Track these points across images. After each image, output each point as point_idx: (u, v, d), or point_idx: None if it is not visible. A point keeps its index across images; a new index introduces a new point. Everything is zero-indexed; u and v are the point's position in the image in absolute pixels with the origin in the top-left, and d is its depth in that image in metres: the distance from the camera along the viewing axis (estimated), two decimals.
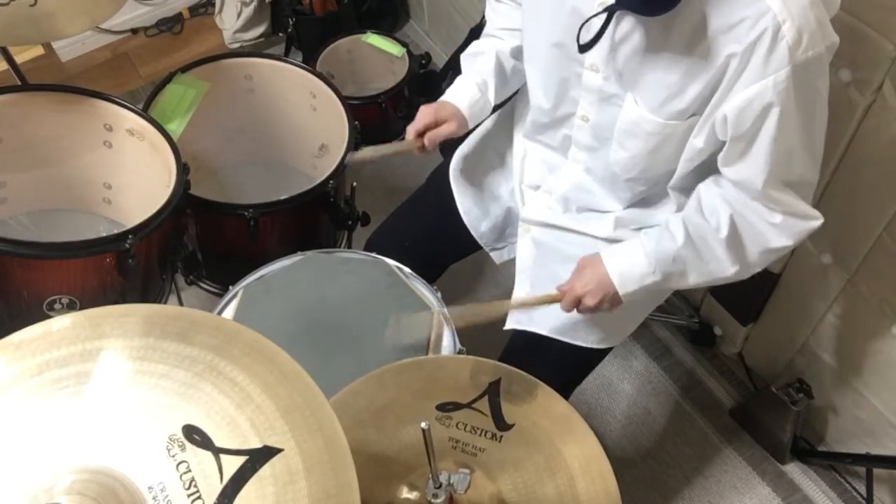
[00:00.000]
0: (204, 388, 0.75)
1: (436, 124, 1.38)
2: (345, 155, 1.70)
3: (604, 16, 1.08)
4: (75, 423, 0.74)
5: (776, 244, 1.16)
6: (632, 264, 1.22)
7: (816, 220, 1.16)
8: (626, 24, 1.11)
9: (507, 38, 1.41)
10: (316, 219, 1.79)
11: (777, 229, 1.15)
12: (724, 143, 1.12)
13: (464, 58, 1.45)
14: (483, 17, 1.47)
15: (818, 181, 1.49)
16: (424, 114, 1.38)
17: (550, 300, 1.31)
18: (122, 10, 1.61)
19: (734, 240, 1.17)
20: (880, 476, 1.70)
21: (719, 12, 1.02)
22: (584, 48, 1.12)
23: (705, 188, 1.20)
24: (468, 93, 1.39)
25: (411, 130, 1.38)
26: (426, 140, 1.38)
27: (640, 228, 1.34)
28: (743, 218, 1.15)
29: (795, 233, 1.15)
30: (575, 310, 1.28)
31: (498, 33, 1.42)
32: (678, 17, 1.05)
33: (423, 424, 0.88)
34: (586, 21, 1.10)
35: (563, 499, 1.01)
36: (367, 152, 1.59)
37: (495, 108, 1.46)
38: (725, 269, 1.19)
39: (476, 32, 1.50)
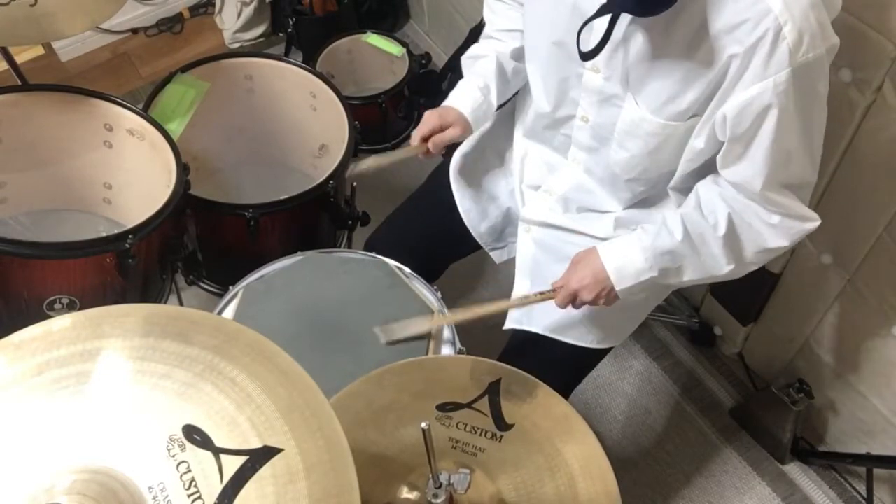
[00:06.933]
0: (204, 388, 0.75)
1: (440, 129, 1.37)
2: (345, 156, 1.70)
3: (606, 20, 1.08)
4: (75, 423, 0.74)
5: (773, 244, 1.17)
6: (628, 260, 1.22)
7: (814, 222, 1.16)
8: (628, 25, 1.11)
9: (506, 40, 1.40)
10: (316, 219, 1.79)
11: (774, 230, 1.15)
12: (723, 143, 1.12)
13: (464, 60, 1.45)
14: (483, 17, 1.47)
15: (818, 181, 1.49)
16: (429, 118, 1.37)
17: (545, 298, 1.29)
18: (122, 10, 1.61)
19: (731, 238, 1.17)
20: (880, 476, 1.70)
21: (721, 13, 1.02)
22: (587, 56, 1.11)
23: (704, 187, 1.20)
24: (471, 97, 1.39)
25: (416, 136, 1.38)
26: (431, 145, 1.37)
27: None
28: (741, 217, 1.16)
29: (792, 234, 1.16)
30: (571, 306, 1.27)
31: (497, 35, 1.42)
32: (680, 17, 1.05)
33: (423, 424, 0.88)
34: (586, 23, 1.10)
35: (563, 499, 1.01)
36: (370, 162, 1.47)
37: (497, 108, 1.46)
38: (721, 266, 1.19)
39: (476, 32, 1.50)
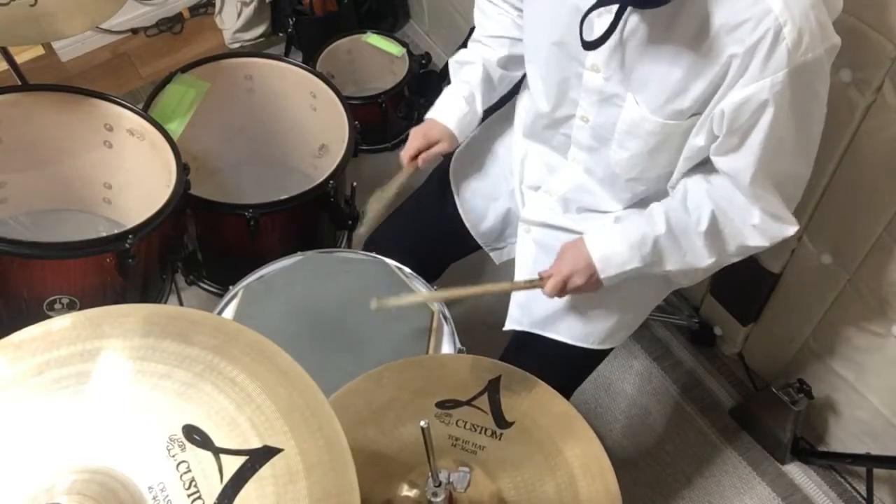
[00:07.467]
0: (204, 388, 0.75)
1: (427, 146, 1.40)
2: (345, 156, 1.70)
3: (610, 15, 1.08)
4: (75, 423, 0.74)
5: (752, 243, 1.21)
6: (613, 251, 1.24)
7: (792, 227, 1.19)
8: (630, 24, 1.11)
9: (495, 47, 1.42)
10: (316, 219, 1.79)
11: (755, 230, 1.19)
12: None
13: (451, 64, 1.47)
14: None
15: (818, 181, 1.49)
16: (415, 138, 1.40)
17: (534, 286, 1.30)
18: (122, 10, 1.61)
19: (713, 234, 1.20)
20: (880, 476, 1.70)
21: (722, 13, 1.03)
22: (589, 45, 1.12)
23: (693, 183, 1.22)
24: (456, 108, 1.40)
25: (405, 156, 1.41)
26: (420, 162, 1.41)
27: None
28: (724, 214, 1.19)
29: (771, 235, 1.19)
30: (556, 296, 1.28)
31: (486, 41, 1.43)
32: (681, 16, 1.06)
33: (422, 423, 0.88)
34: (586, 14, 1.10)
35: (563, 497, 1.01)
36: (374, 206, 1.44)
37: (488, 112, 1.46)
38: (703, 259, 1.23)
39: None
